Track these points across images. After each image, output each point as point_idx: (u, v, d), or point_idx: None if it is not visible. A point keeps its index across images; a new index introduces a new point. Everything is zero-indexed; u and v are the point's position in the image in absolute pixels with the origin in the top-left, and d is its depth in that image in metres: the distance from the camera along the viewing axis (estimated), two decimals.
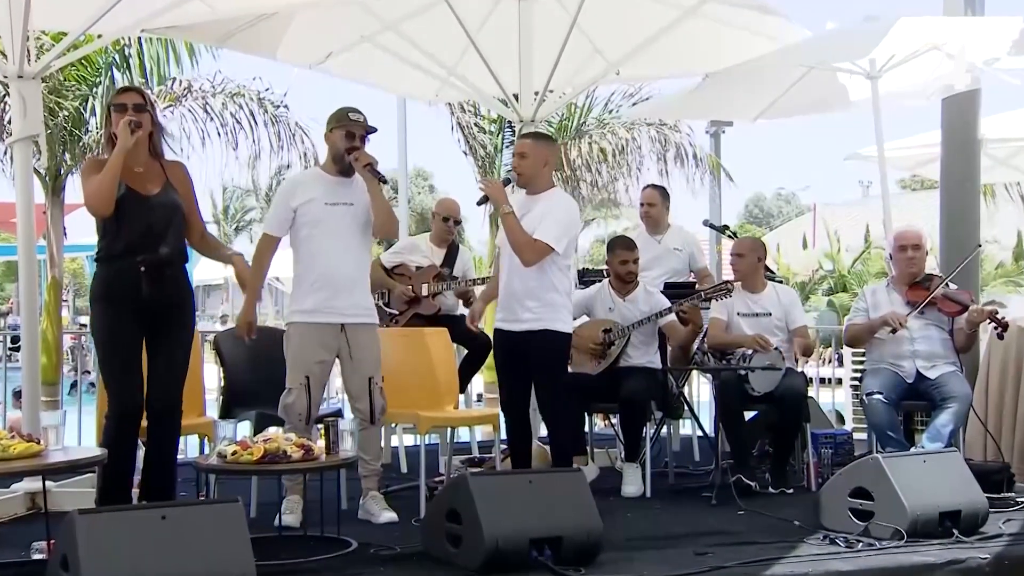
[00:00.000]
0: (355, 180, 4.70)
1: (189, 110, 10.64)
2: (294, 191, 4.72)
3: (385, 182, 4.65)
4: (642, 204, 6.66)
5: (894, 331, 5.53)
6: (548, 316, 4.90)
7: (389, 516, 4.67)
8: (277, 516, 4.51)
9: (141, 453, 4.34)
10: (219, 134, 10.65)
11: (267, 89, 10.96)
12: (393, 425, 5.86)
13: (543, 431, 5.53)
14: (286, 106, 11.02)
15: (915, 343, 5.59)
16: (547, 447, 5.34)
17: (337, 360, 4.72)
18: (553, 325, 4.90)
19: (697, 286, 6.20)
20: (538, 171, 5.00)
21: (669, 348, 6.05)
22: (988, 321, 5.58)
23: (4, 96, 8.92)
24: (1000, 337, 5.61)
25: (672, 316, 5.67)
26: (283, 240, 4.78)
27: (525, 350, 4.92)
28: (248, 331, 4.69)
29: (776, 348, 5.56)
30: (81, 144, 10.15)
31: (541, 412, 5.10)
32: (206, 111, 10.67)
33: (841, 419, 8.11)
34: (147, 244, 4.20)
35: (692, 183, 12.86)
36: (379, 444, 4.89)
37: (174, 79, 10.52)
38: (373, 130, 4.72)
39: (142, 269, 4.18)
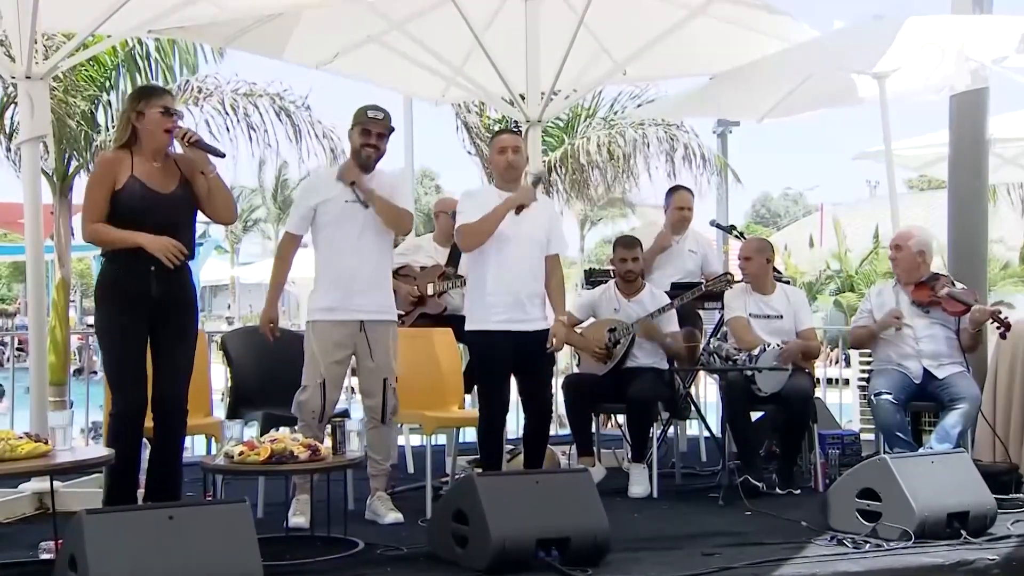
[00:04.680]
0: (374, 177, 4.68)
1: (201, 108, 10.65)
2: (314, 190, 4.75)
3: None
4: (680, 208, 6.46)
5: (898, 329, 5.52)
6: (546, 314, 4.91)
7: (395, 517, 4.67)
8: (284, 516, 4.51)
9: (146, 453, 4.34)
10: (229, 130, 10.65)
11: (286, 90, 11.00)
12: (399, 425, 5.85)
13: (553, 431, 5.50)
14: (308, 107, 11.03)
15: (920, 343, 5.58)
16: (553, 448, 5.33)
17: (354, 357, 4.72)
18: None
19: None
20: None
21: None
22: (991, 321, 5.57)
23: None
24: (1003, 337, 5.59)
25: (672, 319, 5.67)
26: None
27: (531, 350, 4.81)
28: (271, 329, 4.69)
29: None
30: (93, 145, 10.15)
31: (542, 410, 5.00)
32: (222, 112, 10.67)
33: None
34: None
35: (699, 183, 12.82)
36: (389, 444, 4.88)
37: (187, 81, 10.51)
38: (391, 129, 4.70)
39: (152, 268, 4.16)
